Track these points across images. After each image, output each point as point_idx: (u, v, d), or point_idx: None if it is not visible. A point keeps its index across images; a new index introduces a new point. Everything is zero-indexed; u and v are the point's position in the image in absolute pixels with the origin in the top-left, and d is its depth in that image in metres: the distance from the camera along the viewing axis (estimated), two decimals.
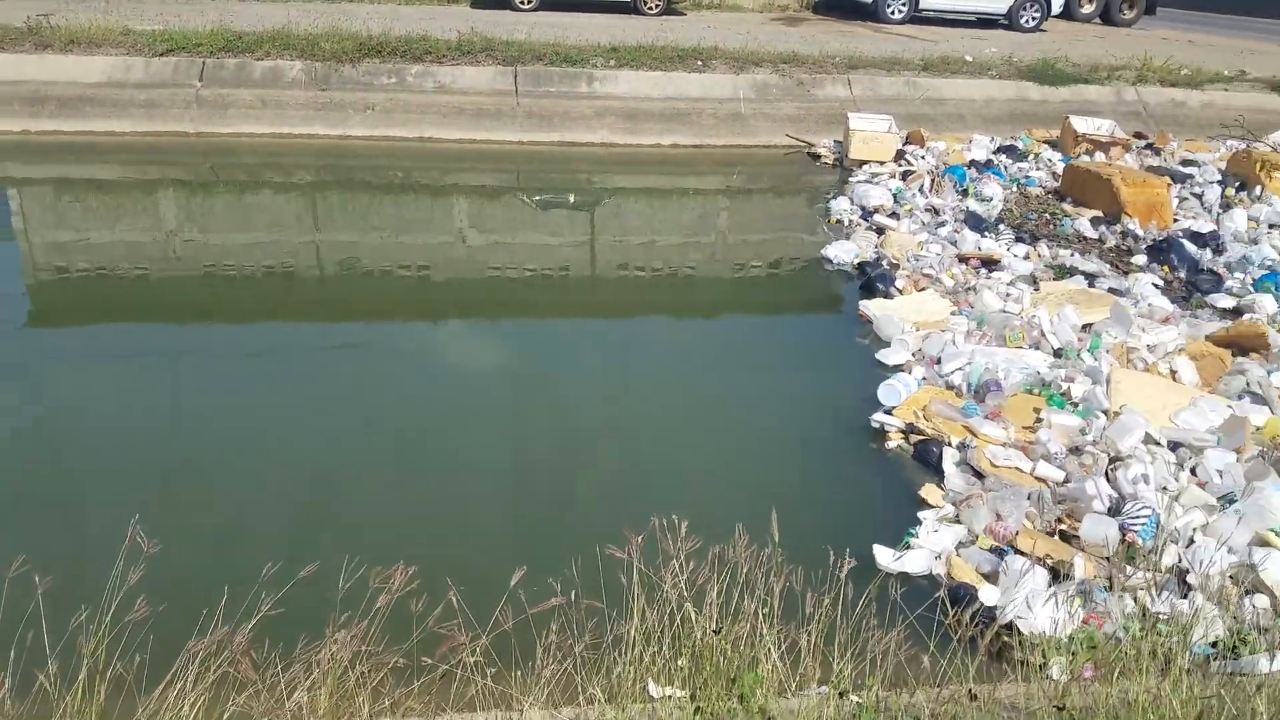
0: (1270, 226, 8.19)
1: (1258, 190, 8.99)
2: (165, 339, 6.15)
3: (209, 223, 8.77)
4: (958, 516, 4.14)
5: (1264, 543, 3.76)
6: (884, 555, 3.87)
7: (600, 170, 11.09)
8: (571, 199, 10.35)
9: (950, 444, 4.68)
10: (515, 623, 2.13)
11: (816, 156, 11.20)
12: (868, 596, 2.27)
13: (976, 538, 3.97)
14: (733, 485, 4.57)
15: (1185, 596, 3.41)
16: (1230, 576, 3.54)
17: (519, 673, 2.26)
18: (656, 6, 17.81)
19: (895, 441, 4.90)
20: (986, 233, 7.88)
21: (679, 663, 2.13)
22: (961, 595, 3.57)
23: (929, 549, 3.93)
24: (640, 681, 2.11)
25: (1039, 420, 4.79)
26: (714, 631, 2.13)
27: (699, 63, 12.38)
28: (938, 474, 4.53)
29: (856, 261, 7.50)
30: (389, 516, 4.17)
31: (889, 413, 5.06)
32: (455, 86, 11.46)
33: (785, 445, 5.02)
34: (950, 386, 5.34)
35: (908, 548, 3.94)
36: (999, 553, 3.83)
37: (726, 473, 4.71)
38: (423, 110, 11.20)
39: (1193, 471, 4.34)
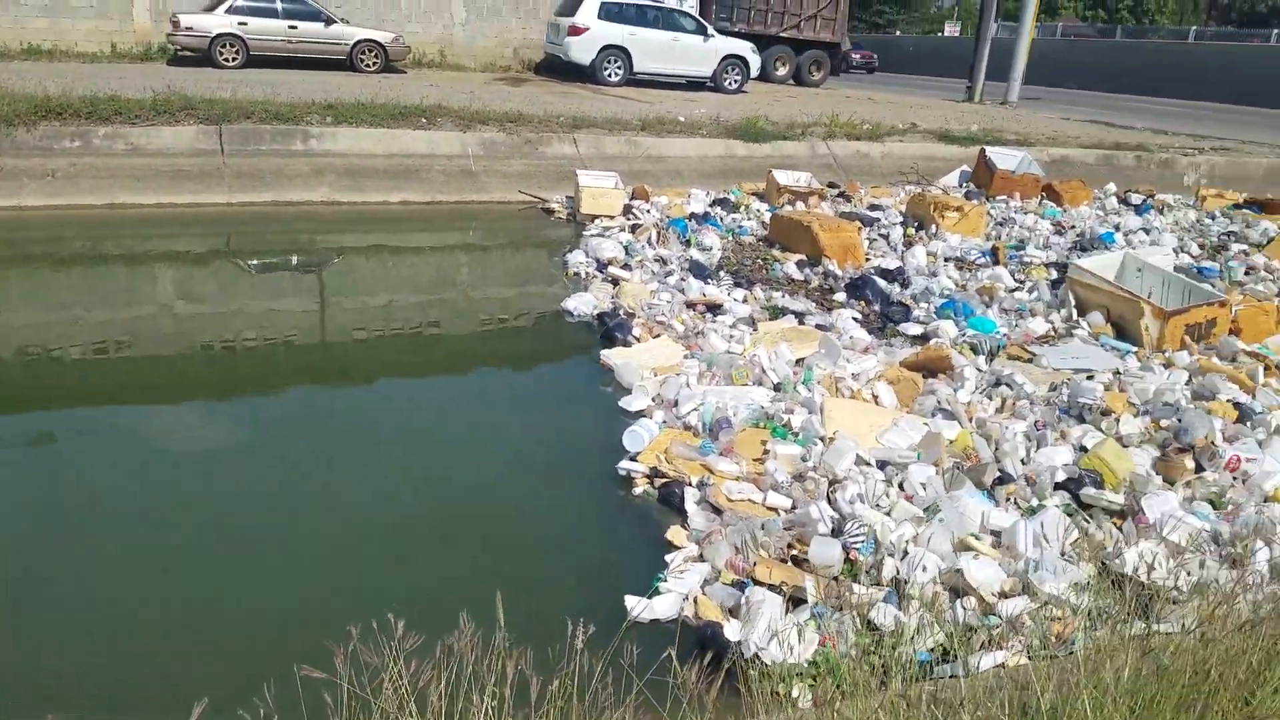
0: (946, 260, 9.33)
1: (933, 229, 10.23)
2: None
3: None
4: (701, 555, 4.24)
5: (966, 547, 4.17)
6: (634, 604, 3.86)
7: (324, 229, 10.56)
8: (294, 260, 9.76)
9: (691, 484, 4.81)
10: None
11: (550, 212, 11.38)
12: (606, 657, 2.21)
13: (719, 573, 4.08)
14: (475, 557, 4.36)
15: (903, 607, 3.68)
16: (940, 583, 3.88)
17: None
18: (375, 64, 17.47)
19: (641, 487, 4.96)
20: (709, 279, 8.34)
21: None
22: (708, 634, 3.64)
23: (677, 591, 3.98)
24: None
25: (766, 452, 5.05)
26: None
27: (424, 120, 12.25)
28: (682, 515, 4.63)
29: (595, 312, 7.64)
30: (47, 652, 3.35)
31: (634, 459, 5.12)
32: (151, 148, 10.51)
33: (533, 505, 4.91)
34: (688, 427, 5.52)
35: (657, 593, 3.97)
36: (740, 586, 3.95)
37: (469, 545, 4.48)
38: (113, 174, 10.15)
39: (900, 486, 4.74)
